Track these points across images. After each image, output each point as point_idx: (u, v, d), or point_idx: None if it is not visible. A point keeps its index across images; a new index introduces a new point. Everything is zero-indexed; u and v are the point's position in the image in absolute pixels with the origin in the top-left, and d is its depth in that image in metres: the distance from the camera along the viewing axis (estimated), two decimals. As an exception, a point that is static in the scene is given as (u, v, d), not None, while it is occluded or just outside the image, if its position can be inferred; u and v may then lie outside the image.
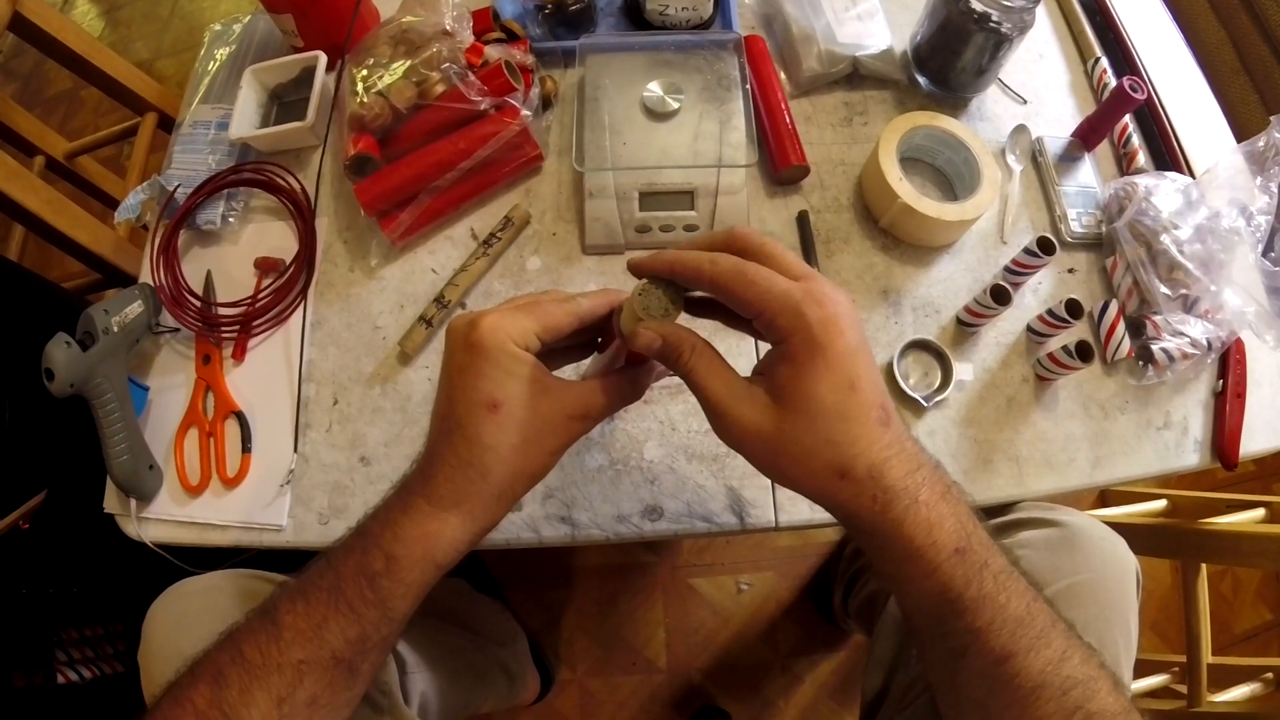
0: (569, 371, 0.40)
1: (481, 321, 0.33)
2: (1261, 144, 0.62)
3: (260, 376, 0.56)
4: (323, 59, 0.63)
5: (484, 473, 0.33)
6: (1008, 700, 0.30)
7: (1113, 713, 0.30)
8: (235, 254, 0.60)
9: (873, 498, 0.30)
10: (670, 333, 0.34)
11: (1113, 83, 0.65)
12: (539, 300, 0.35)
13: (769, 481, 0.51)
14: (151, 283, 0.58)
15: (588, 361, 0.41)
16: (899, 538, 0.30)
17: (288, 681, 0.31)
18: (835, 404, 0.30)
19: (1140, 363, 0.55)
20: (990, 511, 0.52)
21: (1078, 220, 0.60)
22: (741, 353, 0.54)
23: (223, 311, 0.57)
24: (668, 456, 0.52)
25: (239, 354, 0.56)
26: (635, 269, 0.35)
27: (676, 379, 0.35)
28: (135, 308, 0.53)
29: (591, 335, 0.38)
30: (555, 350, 0.39)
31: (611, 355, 0.36)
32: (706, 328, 0.37)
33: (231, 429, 0.54)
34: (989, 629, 0.30)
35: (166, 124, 0.98)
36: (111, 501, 0.52)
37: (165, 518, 0.52)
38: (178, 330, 0.57)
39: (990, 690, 0.31)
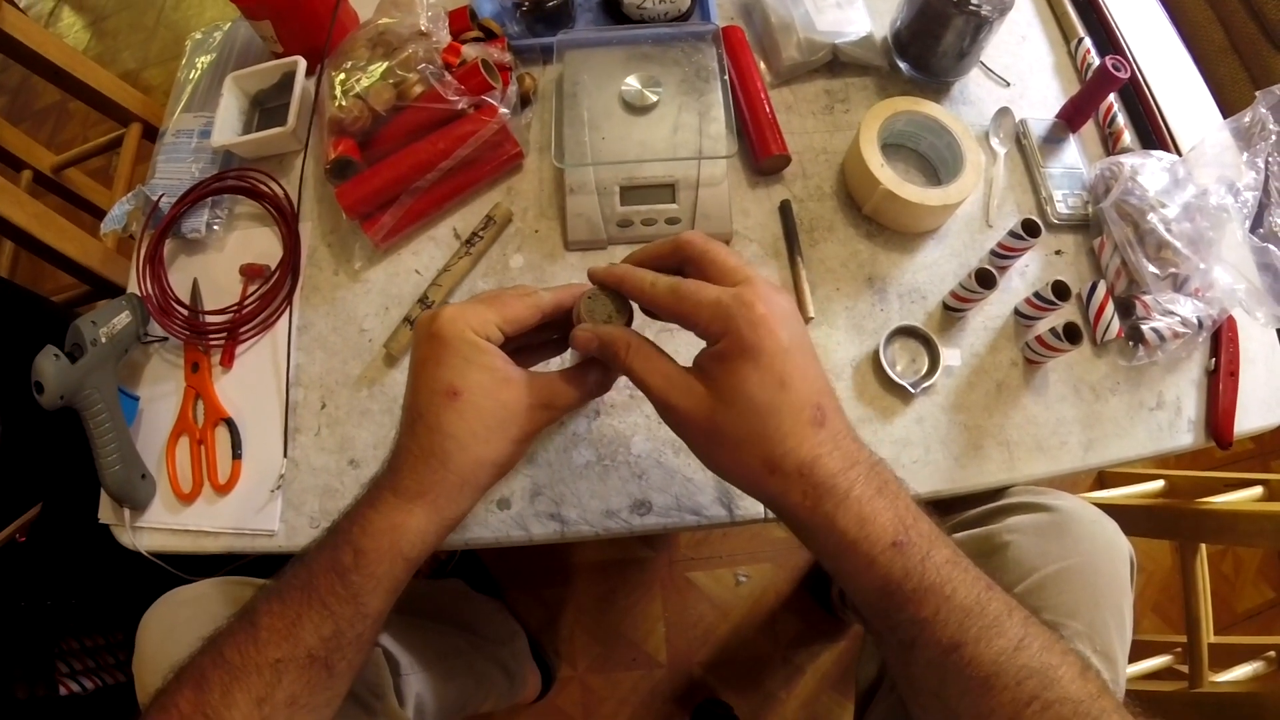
0: (554, 366, 0.40)
1: (442, 313, 0.34)
2: (1247, 119, 0.61)
3: (249, 383, 0.56)
4: (302, 64, 0.63)
5: (444, 460, 0.33)
6: (960, 690, 0.30)
7: (1075, 700, 0.29)
8: (221, 261, 0.60)
9: (802, 493, 0.31)
10: (605, 333, 0.35)
11: (1096, 62, 0.65)
12: (500, 293, 0.36)
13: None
14: (139, 293, 0.58)
15: (567, 355, 0.41)
16: (832, 533, 0.31)
17: (266, 682, 0.31)
18: (765, 401, 0.31)
19: (1130, 343, 0.55)
20: (982, 497, 0.52)
21: (1064, 202, 0.59)
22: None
23: (210, 319, 0.57)
24: (655, 450, 0.52)
25: (227, 361, 0.56)
26: (590, 275, 0.37)
27: None
28: (123, 318, 0.53)
29: (564, 329, 0.39)
30: (532, 345, 0.39)
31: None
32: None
33: (222, 436, 0.54)
34: (934, 619, 0.30)
35: (152, 134, 0.98)
36: (106, 512, 0.52)
37: (159, 526, 0.52)
38: (166, 339, 0.57)
39: (943, 681, 0.30)
